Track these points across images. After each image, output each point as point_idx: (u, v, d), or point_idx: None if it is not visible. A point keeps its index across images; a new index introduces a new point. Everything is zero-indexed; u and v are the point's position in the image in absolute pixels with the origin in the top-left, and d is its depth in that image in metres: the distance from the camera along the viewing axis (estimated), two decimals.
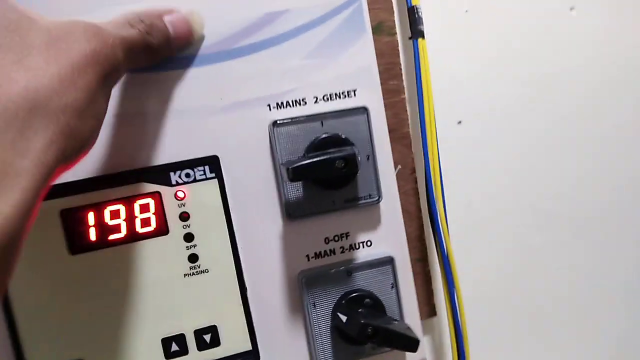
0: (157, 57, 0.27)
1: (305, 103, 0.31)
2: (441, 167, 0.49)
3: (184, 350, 0.30)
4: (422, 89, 0.48)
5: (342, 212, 0.32)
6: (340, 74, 0.32)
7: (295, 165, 0.27)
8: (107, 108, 0.23)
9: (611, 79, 0.58)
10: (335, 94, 0.32)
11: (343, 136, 0.31)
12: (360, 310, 0.30)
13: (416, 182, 0.53)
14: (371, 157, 0.32)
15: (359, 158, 0.30)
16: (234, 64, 0.30)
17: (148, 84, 0.29)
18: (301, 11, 0.31)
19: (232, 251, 0.30)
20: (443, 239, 0.47)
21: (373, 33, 0.52)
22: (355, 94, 0.32)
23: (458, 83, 0.55)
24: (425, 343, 0.54)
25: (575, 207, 0.58)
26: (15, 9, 0.19)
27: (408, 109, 0.53)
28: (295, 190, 0.31)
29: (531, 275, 0.57)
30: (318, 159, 0.28)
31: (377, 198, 0.32)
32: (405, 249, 0.33)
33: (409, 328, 0.31)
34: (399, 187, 0.53)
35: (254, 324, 0.31)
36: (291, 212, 0.31)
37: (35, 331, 0.28)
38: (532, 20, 0.56)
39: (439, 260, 0.49)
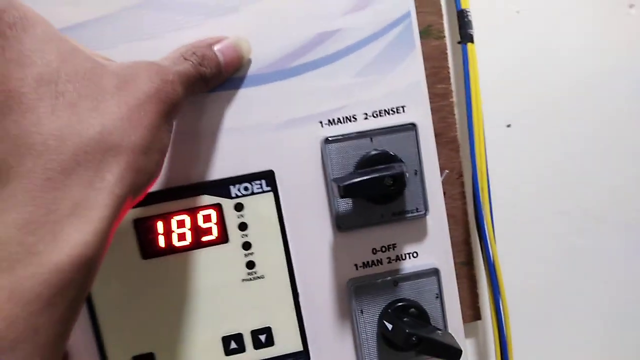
0: (210, 85, 0.29)
1: (356, 119, 0.33)
2: (488, 171, 0.49)
3: (241, 349, 0.32)
4: (470, 93, 0.49)
5: (390, 224, 0.33)
6: (390, 90, 0.33)
7: (346, 183, 0.29)
8: (170, 140, 0.25)
9: None
10: (385, 111, 0.33)
11: (392, 153, 0.32)
12: (405, 319, 0.32)
13: (463, 186, 0.53)
14: (419, 172, 0.33)
15: (407, 174, 0.31)
16: (288, 83, 0.32)
17: (208, 103, 0.31)
18: (352, 30, 0.32)
19: (286, 259, 0.33)
20: (489, 244, 0.48)
21: (421, 37, 0.52)
22: (404, 110, 0.33)
23: (507, 86, 0.54)
24: (468, 346, 0.55)
25: (625, 210, 0.56)
26: (90, 58, 0.22)
27: (456, 112, 0.53)
28: (345, 204, 0.32)
29: (578, 280, 0.56)
30: (367, 177, 0.29)
31: (423, 212, 0.33)
32: (450, 260, 0.34)
33: (452, 338, 0.32)
34: (445, 191, 0.53)
35: (305, 327, 0.33)
36: (341, 224, 0.33)
37: (113, 327, 0.31)
38: (585, 19, 0.54)
39: (484, 265, 0.50)
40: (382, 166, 0.31)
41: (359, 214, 0.33)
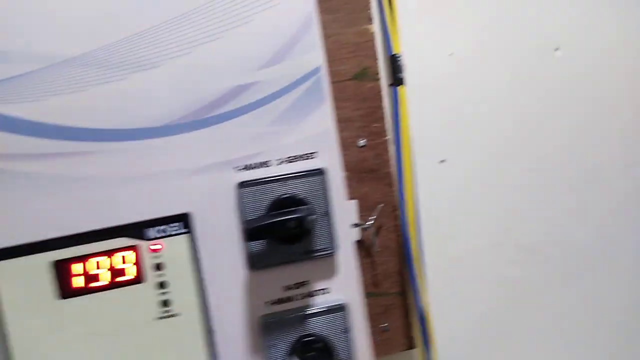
0: None
1: (269, 165, 0.35)
2: (418, 205, 0.52)
3: None
4: (399, 133, 0.52)
5: (301, 263, 0.35)
6: (302, 138, 0.35)
7: (250, 227, 0.31)
8: None
9: (594, 117, 0.60)
10: (297, 156, 0.35)
11: (300, 196, 0.34)
12: (311, 353, 0.34)
13: (397, 219, 0.55)
14: (327, 213, 0.35)
15: (313, 216, 0.33)
16: (205, 132, 0.34)
17: (127, 151, 0.33)
18: (267, 83, 0.35)
19: (201, 297, 0.34)
20: (415, 274, 0.50)
21: (357, 79, 0.56)
22: (315, 156, 0.35)
23: (442, 123, 0.57)
24: None
25: (555, 241, 0.59)
26: None
27: (390, 150, 0.56)
28: (257, 245, 0.35)
29: (512, 310, 0.59)
30: (271, 221, 0.31)
31: (332, 250, 0.35)
32: (359, 296, 0.36)
33: None
34: (381, 224, 0.56)
35: None
36: (254, 263, 0.35)
37: None
38: (514, 60, 0.58)
39: (412, 295, 0.52)
40: (290, 209, 0.33)
41: (270, 254, 0.35)
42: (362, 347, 0.36)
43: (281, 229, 0.31)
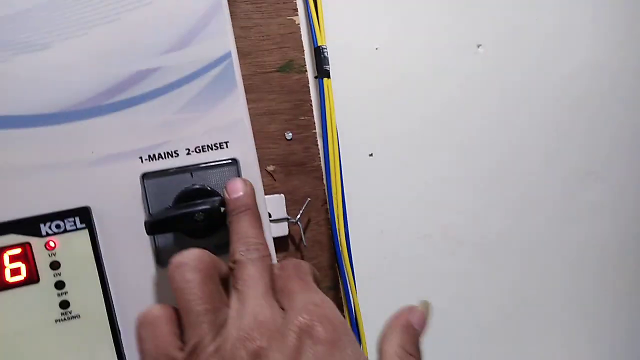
0: None
1: (178, 155, 0.33)
2: (345, 198, 0.52)
3: None
4: (326, 125, 0.51)
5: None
6: (212, 127, 0.34)
7: (151, 220, 0.29)
8: None
9: (515, 111, 0.62)
10: (207, 146, 0.34)
11: (209, 187, 0.33)
12: None
13: (328, 212, 0.55)
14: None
15: (223, 209, 0.32)
16: (106, 119, 0.32)
17: (20, 139, 0.31)
18: (172, 69, 0.33)
19: (104, 297, 0.32)
20: (345, 271, 0.49)
21: (283, 71, 0.54)
22: (227, 146, 0.34)
23: (369, 117, 0.57)
24: None
25: (481, 233, 0.61)
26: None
27: (319, 143, 0.55)
28: (165, 239, 0.33)
29: (442, 301, 0.60)
30: (175, 213, 0.30)
31: None
32: None
33: None
34: (310, 218, 0.55)
35: None
36: (162, 259, 0.33)
37: None
38: (440, 56, 0.59)
39: (341, 289, 0.52)
40: (199, 201, 0.31)
41: (180, 249, 0.33)
42: None
43: (188, 221, 0.30)
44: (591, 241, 0.66)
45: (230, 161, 0.34)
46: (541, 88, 0.63)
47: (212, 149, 0.34)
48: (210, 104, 0.34)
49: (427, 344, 0.59)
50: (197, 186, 0.33)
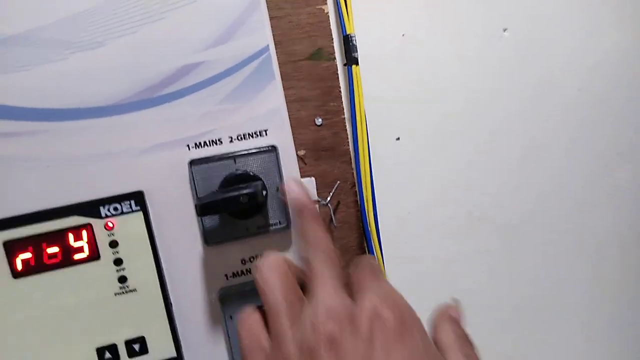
0: None
1: (221, 143, 0.36)
2: (373, 181, 0.54)
3: (116, 358, 0.35)
4: (355, 111, 0.53)
5: (256, 237, 0.37)
6: (253, 116, 0.36)
7: (202, 202, 0.32)
8: None
9: (539, 95, 0.62)
10: (248, 134, 0.36)
11: (252, 172, 0.35)
12: None
13: (356, 195, 0.57)
14: (280, 189, 0.36)
15: (265, 192, 0.35)
16: (156, 110, 0.35)
17: (80, 130, 0.34)
18: (215, 63, 0.35)
19: (158, 273, 0.35)
20: (373, 248, 0.52)
21: (312, 59, 0.56)
22: (266, 134, 0.36)
23: (397, 103, 0.59)
24: None
25: (504, 214, 0.62)
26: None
27: (348, 128, 0.57)
28: (212, 220, 0.35)
29: (467, 282, 0.62)
30: (223, 196, 0.32)
31: (285, 224, 0.36)
32: None
33: None
34: (340, 200, 0.57)
35: (179, 335, 0.36)
36: (209, 239, 0.36)
37: None
38: (466, 41, 0.60)
39: None
40: (243, 185, 0.34)
41: (225, 229, 0.36)
42: None
43: (233, 203, 0.32)
44: (614, 227, 0.67)
45: (269, 148, 0.36)
46: (566, 73, 0.63)
47: (252, 136, 0.36)
48: (250, 94, 0.36)
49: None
50: (240, 171, 0.35)
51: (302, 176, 0.55)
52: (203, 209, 0.32)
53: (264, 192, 0.34)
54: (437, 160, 0.60)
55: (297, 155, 0.56)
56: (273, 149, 0.36)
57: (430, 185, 0.60)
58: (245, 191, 0.33)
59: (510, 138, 0.62)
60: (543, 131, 0.63)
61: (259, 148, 0.36)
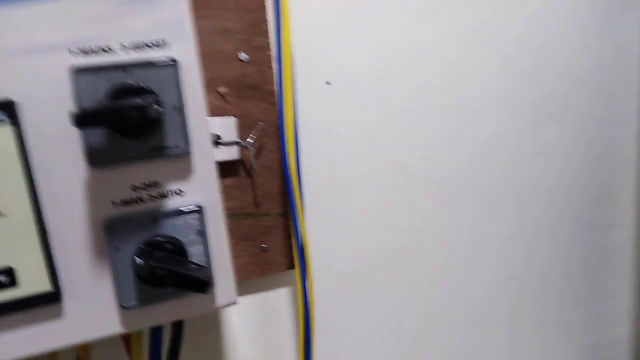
0: None
1: (112, 51, 0.31)
2: (297, 125, 0.51)
3: None
4: (281, 46, 0.49)
5: (150, 160, 0.33)
6: (151, 23, 0.32)
7: (80, 112, 0.28)
8: None
9: (475, 48, 0.61)
10: (145, 44, 0.32)
11: (143, 85, 0.31)
12: (158, 254, 0.32)
13: (279, 139, 0.54)
14: (179, 108, 0.32)
15: (160, 108, 0.31)
16: (35, 5, 0.30)
17: None
18: None
19: (31, 196, 0.31)
20: (293, 195, 0.49)
21: None
22: (166, 45, 0.32)
23: (328, 44, 0.56)
24: (284, 293, 0.57)
25: (435, 168, 0.62)
26: None
27: (274, 66, 0.53)
28: (97, 137, 0.31)
29: (393, 233, 0.61)
30: (106, 106, 0.28)
31: (185, 149, 0.33)
32: (217, 199, 0.35)
33: (206, 273, 0.33)
34: (263, 144, 0.54)
35: (57, 266, 0.32)
36: (94, 159, 0.31)
37: None
38: None
39: (290, 215, 0.52)
40: (132, 98, 0.30)
41: (113, 149, 0.32)
42: (221, 251, 0.35)
43: (119, 115, 0.28)
44: (541, 180, 0.68)
45: (169, 61, 0.32)
46: (502, 28, 0.63)
47: (149, 47, 0.32)
48: None
49: (374, 275, 0.60)
50: (132, 82, 0.31)
51: (221, 115, 0.51)
52: (80, 119, 0.28)
53: (158, 108, 0.30)
54: (367, 108, 0.58)
55: (217, 92, 0.52)
56: (173, 61, 0.32)
57: (359, 135, 0.58)
58: (134, 103, 0.29)
59: (443, 89, 0.61)
60: (478, 85, 0.62)
61: (156, 60, 0.32)
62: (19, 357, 0.32)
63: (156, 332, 0.41)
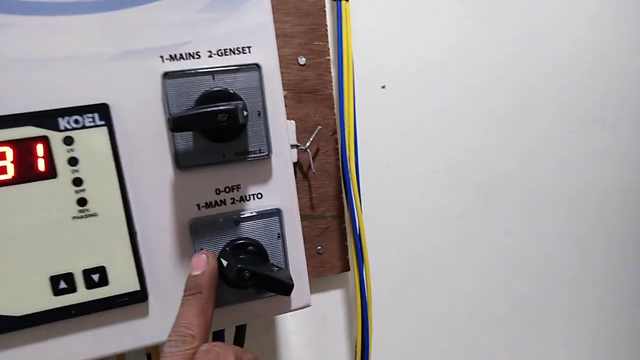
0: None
1: (199, 57, 0.32)
2: (356, 129, 0.51)
3: (72, 288, 0.31)
4: (342, 51, 0.50)
5: (233, 164, 0.33)
6: (235, 29, 0.33)
7: (176, 116, 0.29)
8: None
9: (527, 53, 0.61)
10: (230, 50, 0.33)
11: (232, 91, 0.32)
12: (242, 256, 0.32)
13: (337, 143, 0.55)
14: (262, 113, 0.33)
15: (246, 113, 0.31)
16: (128, 12, 0.31)
17: (39, 27, 0.29)
18: None
19: (122, 197, 0.32)
20: (353, 197, 0.50)
21: None
22: (250, 51, 0.33)
23: (383, 48, 0.56)
24: (338, 295, 0.57)
25: (484, 170, 0.61)
26: None
27: (332, 71, 0.54)
28: (185, 141, 0.32)
29: (445, 234, 0.61)
30: (199, 111, 0.29)
31: (266, 153, 0.33)
32: (294, 201, 0.35)
33: (287, 274, 0.33)
34: (319, 147, 0.55)
35: (143, 266, 0.33)
36: (181, 162, 0.32)
37: None
38: None
39: (348, 217, 0.52)
40: (221, 103, 0.31)
41: (200, 153, 0.32)
42: (296, 253, 0.35)
43: (210, 120, 0.29)
44: (593, 187, 0.67)
45: (253, 66, 0.33)
46: (558, 32, 0.62)
47: (234, 53, 0.33)
48: (234, 5, 0.32)
49: (425, 277, 0.60)
50: (219, 89, 0.32)
51: None
52: (176, 122, 0.29)
53: (245, 113, 0.31)
54: (421, 110, 0.58)
55: None
56: (256, 67, 0.33)
57: (412, 138, 0.58)
58: (224, 107, 0.29)
59: (496, 93, 0.61)
60: (529, 88, 0.62)
61: (241, 65, 0.32)
62: (106, 354, 0.33)
63: (219, 333, 0.42)
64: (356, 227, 0.51)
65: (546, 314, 0.68)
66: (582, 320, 0.70)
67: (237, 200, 0.34)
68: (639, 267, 0.72)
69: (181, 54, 0.32)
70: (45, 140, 0.30)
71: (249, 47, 0.33)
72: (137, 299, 0.33)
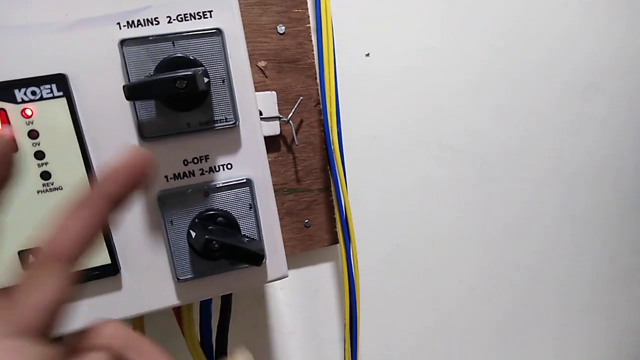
0: None
1: (158, 23, 0.31)
2: (338, 99, 0.50)
3: None
4: (320, 17, 0.48)
5: (200, 134, 0.33)
6: None
7: (131, 84, 0.28)
8: None
9: (527, 24, 0.58)
10: (190, 15, 0.31)
11: (192, 57, 0.31)
12: (211, 227, 0.32)
13: (321, 114, 0.53)
14: (227, 80, 0.32)
15: (207, 80, 0.30)
16: None
17: None
18: None
19: (86, 169, 0.31)
20: (337, 170, 0.49)
21: None
22: (211, 16, 0.32)
23: (369, 13, 0.54)
24: (327, 268, 0.57)
25: (478, 142, 0.60)
26: None
27: (313, 38, 0.52)
28: (147, 111, 0.31)
29: (434, 207, 0.60)
30: (155, 78, 0.28)
31: (233, 122, 0.33)
32: (266, 172, 0.34)
33: (258, 245, 0.32)
34: (302, 119, 0.53)
35: (114, 240, 0.32)
36: (145, 132, 0.31)
37: None
38: None
39: (333, 190, 0.51)
40: (181, 70, 0.30)
41: (163, 123, 0.32)
42: (270, 224, 0.35)
43: (168, 87, 0.28)
44: (587, 153, 0.65)
45: (214, 30, 0.31)
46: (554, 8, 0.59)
47: (194, 17, 0.32)
48: None
49: (415, 250, 0.59)
50: (180, 55, 0.31)
51: (261, 89, 0.50)
52: (131, 90, 0.28)
53: (206, 80, 0.30)
54: (407, 80, 0.56)
55: (256, 66, 0.51)
56: (218, 31, 0.31)
57: (399, 107, 0.57)
58: (182, 74, 0.28)
59: (490, 63, 0.59)
60: (526, 58, 0.60)
61: (202, 30, 0.31)
62: (79, 328, 0.33)
63: (206, 306, 0.41)
64: (341, 200, 0.50)
65: (540, 289, 0.67)
66: (574, 295, 0.69)
67: (206, 171, 0.33)
68: (636, 234, 0.70)
69: (139, 20, 0.31)
70: (2, 113, 0.29)
71: (210, 11, 0.32)
72: (109, 272, 0.32)
